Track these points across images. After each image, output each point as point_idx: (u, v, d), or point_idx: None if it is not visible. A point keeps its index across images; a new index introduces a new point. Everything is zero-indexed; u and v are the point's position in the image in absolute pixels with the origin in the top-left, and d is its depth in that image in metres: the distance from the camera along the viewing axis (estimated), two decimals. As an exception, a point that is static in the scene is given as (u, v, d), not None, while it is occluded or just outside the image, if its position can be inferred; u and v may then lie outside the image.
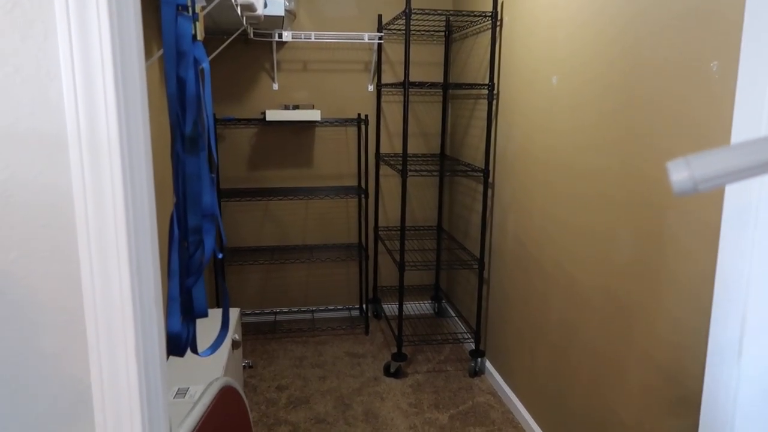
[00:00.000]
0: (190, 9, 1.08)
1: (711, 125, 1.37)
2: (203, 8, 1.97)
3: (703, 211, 1.40)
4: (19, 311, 0.79)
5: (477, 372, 2.98)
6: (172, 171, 1.11)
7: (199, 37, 1.12)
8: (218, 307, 3.28)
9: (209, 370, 2.02)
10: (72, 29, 0.74)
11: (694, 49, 1.43)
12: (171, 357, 2.11)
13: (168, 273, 1.10)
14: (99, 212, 0.77)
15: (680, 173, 0.51)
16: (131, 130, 0.80)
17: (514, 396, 2.62)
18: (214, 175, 1.20)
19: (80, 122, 0.75)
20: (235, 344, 2.38)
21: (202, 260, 1.17)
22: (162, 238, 2.15)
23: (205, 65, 1.13)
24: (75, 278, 0.79)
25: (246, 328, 3.54)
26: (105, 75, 0.75)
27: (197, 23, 1.12)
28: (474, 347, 3.02)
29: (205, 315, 1.19)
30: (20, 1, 0.74)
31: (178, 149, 1.11)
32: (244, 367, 2.83)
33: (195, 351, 1.21)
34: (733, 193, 1.17)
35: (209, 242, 1.17)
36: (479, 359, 2.98)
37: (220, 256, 1.25)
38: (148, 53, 2.16)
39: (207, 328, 2.31)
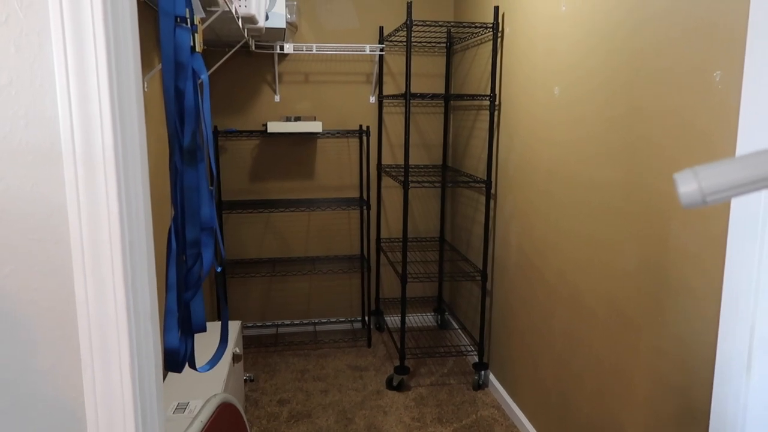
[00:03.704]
0: (188, 21, 1.07)
1: (715, 135, 1.36)
2: (202, 20, 1.97)
3: (710, 222, 1.38)
4: (13, 326, 0.77)
5: (481, 385, 2.95)
6: (170, 183, 1.09)
7: (197, 49, 1.12)
8: (219, 320, 3.26)
9: (210, 384, 2.00)
10: (67, 41, 0.73)
11: (696, 58, 1.42)
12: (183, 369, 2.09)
13: (165, 287, 1.09)
14: (93, 227, 0.75)
15: (688, 185, 0.49)
16: (127, 143, 0.79)
17: (519, 410, 2.59)
18: (213, 188, 1.19)
19: (75, 135, 0.74)
20: (236, 358, 2.36)
21: (201, 274, 1.15)
22: (161, 252, 2.14)
23: (204, 77, 1.12)
24: (69, 293, 0.77)
25: (247, 341, 3.51)
26: (100, 88, 0.74)
27: (196, 35, 1.11)
28: (477, 360, 2.99)
29: (204, 330, 1.17)
30: (15, 11, 0.73)
31: (177, 161, 1.09)
32: (246, 380, 2.81)
33: (193, 366, 1.20)
34: (739, 203, 1.15)
35: (208, 255, 1.16)
36: (483, 372, 2.95)
37: (219, 269, 1.23)
38: (150, 65, 2.16)
39: (207, 341, 2.29)
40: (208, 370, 1.21)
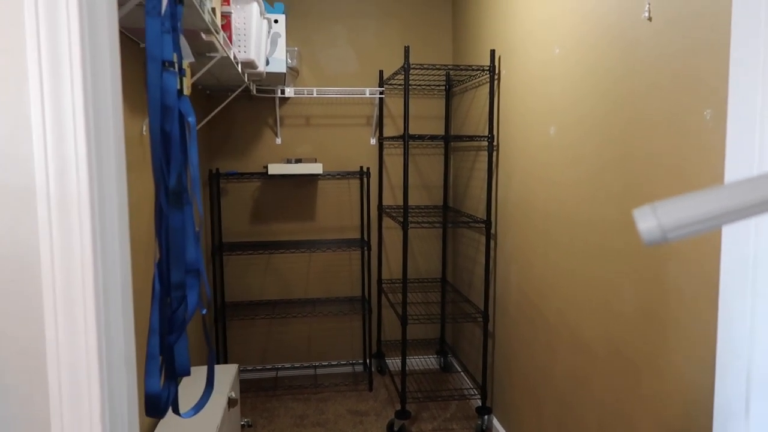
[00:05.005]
0: (176, 65, 1.09)
1: (707, 174, 1.35)
2: (201, 64, 2.00)
3: (704, 261, 1.35)
4: (-18, 372, 0.76)
5: (484, 430, 2.87)
6: (155, 225, 1.09)
7: (185, 92, 1.13)
8: (216, 363, 3.21)
9: (202, 430, 1.95)
10: (44, 85, 0.74)
11: (685, 99, 1.42)
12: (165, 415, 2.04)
13: (149, 330, 1.07)
14: (66, 269, 0.74)
15: (647, 222, 0.48)
16: (104, 185, 0.79)
17: (523, 456, 2.51)
18: (199, 230, 1.19)
19: (49, 178, 0.74)
20: (231, 402, 2.31)
21: (185, 317, 1.14)
22: (145, 294, 2.12)
23: (191, 119, 1.13)
24: (39, 336, 0.76)
25: (246, 385, 3.45)
26: (76, 130, 0.74)
27: (184, 79, 1.12)
28: (481, 404, 2.91)
29: (188, 374, 1.15)
30: (-6, 58, 0.74)
31: (162, 203, 1.09)
32: (243, 426, 2.74)
33: (176, 412, 1.17)
34: (729, 241, 1.13)
35: (192, 298, 1.14)
36: (486, 416, 2.88)
37: (204, 311, 1.22)
38: (144, 108, 2.19)
39: (199, 386, 2.24)
40: (192, 415, 1.18)
